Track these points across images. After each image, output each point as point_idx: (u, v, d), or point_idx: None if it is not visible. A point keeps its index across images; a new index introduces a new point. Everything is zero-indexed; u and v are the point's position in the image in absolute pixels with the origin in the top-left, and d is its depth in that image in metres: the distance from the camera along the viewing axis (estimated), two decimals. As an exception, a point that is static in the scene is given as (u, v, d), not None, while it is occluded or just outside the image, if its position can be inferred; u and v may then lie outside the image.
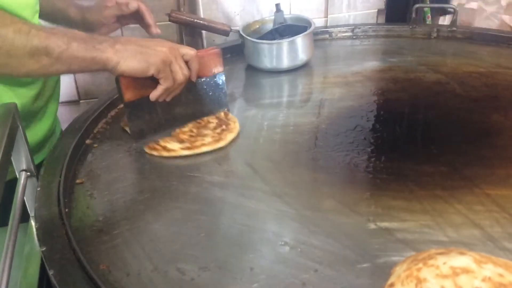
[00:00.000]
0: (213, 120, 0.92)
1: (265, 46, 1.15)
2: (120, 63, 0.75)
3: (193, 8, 1.34)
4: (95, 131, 0.91)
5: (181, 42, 1.40)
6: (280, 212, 0.69)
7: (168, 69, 0.79)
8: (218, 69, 0.93)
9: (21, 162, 0.73)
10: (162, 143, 0.85)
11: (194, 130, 0.89)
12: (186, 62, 0.83)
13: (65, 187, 0.73)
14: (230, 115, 0.94)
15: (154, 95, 0.82)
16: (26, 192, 0.72)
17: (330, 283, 0.56)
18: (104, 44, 0.75)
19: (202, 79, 0.91)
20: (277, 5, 1.22)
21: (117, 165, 0.82)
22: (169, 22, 1.22)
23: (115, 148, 0.87)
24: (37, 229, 0.65)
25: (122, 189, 0.76)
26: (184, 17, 1.21)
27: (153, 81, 0.81)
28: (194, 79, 0.86)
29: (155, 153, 0.83)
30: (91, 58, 0.74)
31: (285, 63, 1.15)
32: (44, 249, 0.61)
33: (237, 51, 1.25)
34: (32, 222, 0.72)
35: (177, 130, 0.88)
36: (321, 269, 0.58)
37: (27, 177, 0.74)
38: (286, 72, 1.16)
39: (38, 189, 0.72)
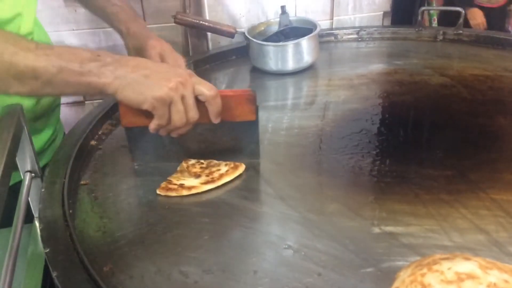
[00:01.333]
0: None
1: (271, 48, 1.15)
2: (117, 92, 0.68)
3: (199, 10, 1.34)
4: (99, 133, 0.91)
5: (186, 44, 1.40)
6: (284, 215, 0.69)
7: (165, 108, 0.69)
8: (247, 116, 0.77)
9: (26, 163, 0.73)
10: (175, 181, 0.76)
11: (203, 161, 0.81)
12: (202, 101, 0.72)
13: (69, 189, 0.73)
14: None
15: (150, 127, 0.72)
16: (30, 193, 0.72)
17: (333, 286, 0.56)
18: (105, 68, 0.67)
19: (227, 123, 0.76)
20: (283, 7, 1.22)
21: (121, 167, 0.82)
22: (174, 24, 1.22)
23: (120, 150, 0.87)
24: (41, 230, 0.65)
25: (126, 191, 0.76)
26: (190, 19, 1.21)
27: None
28: (214, 121, 0.74)
29: (172, 194, 0.74)
30: (86, 84, 0.67)
31: (290, 65, 1.15)
32: (48, 250, 0.61)
33: (242, 53, 1.25)
34: (36, 223, 0.72)
35: (184, 165, 0.80)
36: (325, 273, 0.57)
37: (31, 178, 0.74)
38: (291, 74, 1.16)
39: (43, 190, 0.72)
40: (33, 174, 0.74)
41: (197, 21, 1.22)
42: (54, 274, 0.57)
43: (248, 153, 0.82)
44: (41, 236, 0.64)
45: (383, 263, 0.58)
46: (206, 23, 1.22)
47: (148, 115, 0.71)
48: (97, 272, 0.57)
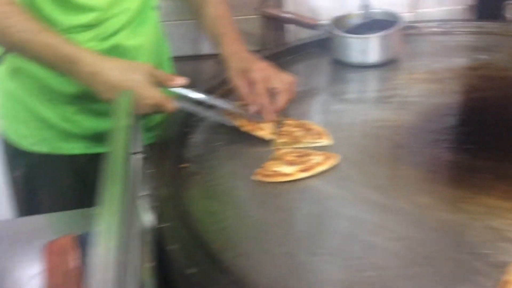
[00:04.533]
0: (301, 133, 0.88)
1: (353, 41, 1.15)
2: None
3: (279, 2, 1.36)
4: (194, 119, 0.95)
5: (265, 36, 1.42)
6: (380, 205, 0.70)
7: None
8: None
9: (135, 145, 0.78)
10: (271, 167, 0.79)
11: (298, 149, 0.83)
12: None
13: (174, 170, 0.77)
14: (306, 123, 0.92)
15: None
16: (136, 172, 0.77)
17: (441, 278, 0.57)
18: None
19: None
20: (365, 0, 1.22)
21: (216, 153, 0.86)
22: (253, 16, 1.24)
23: (213, 136, 0.91)
24: (154, 208, 0.70)
25: (224, 175, 0.79)
26: (273, 11, 1.24)
27: None
28: None
29: (269, 179, 0.77)
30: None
31: (373, 58, 1.15)
32: (163, 225, 0.65)
33: (322, 45, 1.25)
34: (141, 202, 0.77)
35: (278, 152, 0.83)
36: (433, 263, 0.58)
37: (138, 159, 0.79)
38: (373, 67, 1.16)
39: (151, 170, 0.77)
40: (139, 155, 0.79)
41: (281, 13, 1.24)
42: (170, 248, 0.61)
43: None
44: (154, 213, 0.69)
45: (489, 258, 0.59)
46: (289, 15, 1.24)
47: None
48: (208, 248, 0.61)
